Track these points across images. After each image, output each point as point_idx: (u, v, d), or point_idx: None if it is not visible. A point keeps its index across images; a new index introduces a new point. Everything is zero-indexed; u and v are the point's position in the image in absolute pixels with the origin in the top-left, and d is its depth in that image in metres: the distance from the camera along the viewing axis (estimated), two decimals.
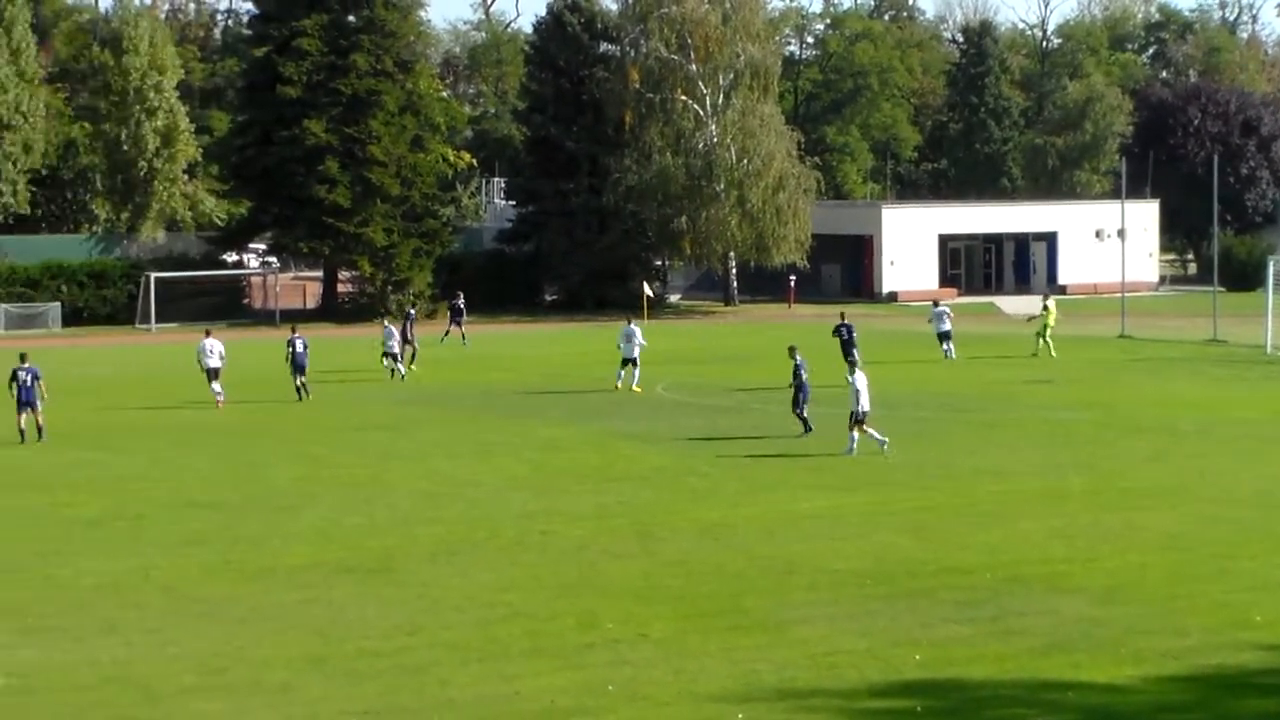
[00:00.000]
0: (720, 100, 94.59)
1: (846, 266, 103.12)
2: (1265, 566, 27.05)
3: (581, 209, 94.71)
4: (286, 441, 42.53)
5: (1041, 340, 62.58)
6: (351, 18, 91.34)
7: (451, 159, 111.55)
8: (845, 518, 31.52)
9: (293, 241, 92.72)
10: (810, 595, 25.41)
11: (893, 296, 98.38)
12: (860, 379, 39.08)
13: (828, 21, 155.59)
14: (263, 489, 35.39)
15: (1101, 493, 33.92)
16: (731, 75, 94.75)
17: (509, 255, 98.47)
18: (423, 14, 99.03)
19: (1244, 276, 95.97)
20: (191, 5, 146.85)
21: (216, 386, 50.07)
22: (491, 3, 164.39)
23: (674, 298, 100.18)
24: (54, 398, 48.83)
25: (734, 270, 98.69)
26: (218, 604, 25.07)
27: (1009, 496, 33.64)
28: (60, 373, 59.44)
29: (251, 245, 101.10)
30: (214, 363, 50.31)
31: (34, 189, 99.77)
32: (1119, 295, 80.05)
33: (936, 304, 64.07)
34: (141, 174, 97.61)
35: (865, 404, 38.80)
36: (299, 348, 51.10)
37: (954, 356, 61.47)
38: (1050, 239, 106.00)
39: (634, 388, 52.20)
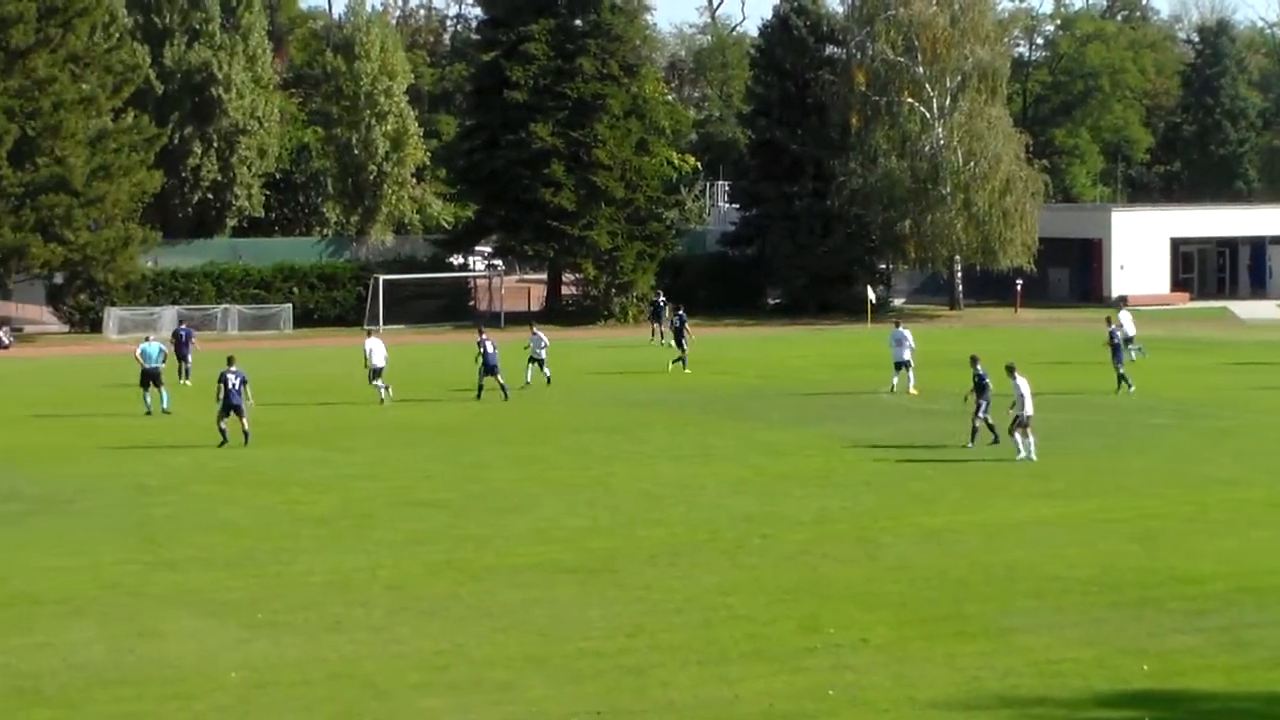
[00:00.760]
0: (947, 103, 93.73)
1: (1075, 270, 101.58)
2: None
3: (805, 212, 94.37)
4: (510, 443, 42.88)
5: None
6: (578, 22, 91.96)
7: (676, 162, 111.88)
8: (1071, 524, 31.04)
9: (518, 244, 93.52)
10: (1034, 603, 25.05)
11: (1122, 301, 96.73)
12: (1023, 383, 38.52)
13: (1058, 22, 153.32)
14: (486, 489, 35.73)
15: None
16: (959, 77, 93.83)
17: (732, 258, 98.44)
18: (649, 18, 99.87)
19: None
20: (422, 11, 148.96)
21: (378, 383, 51.36)
22: (717, 6, 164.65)
23: (898, 301, 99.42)
24: (284, 398, 49.85)
25: (959, 274, 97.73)
26: (441, 602, 25.34)
27: (1241, 504, 32.89)
28: (290, 373, 60.71)
29: (477, 248, 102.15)
30: (378, 362, 51.58)
31: (268, 193, 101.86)
32: None
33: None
34: (371, 178, 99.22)
35: (1029, 409, 38.21)
36: (489, 349, 51.91)
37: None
38: None
39: (910, 390, 51.78)
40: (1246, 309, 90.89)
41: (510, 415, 48.72)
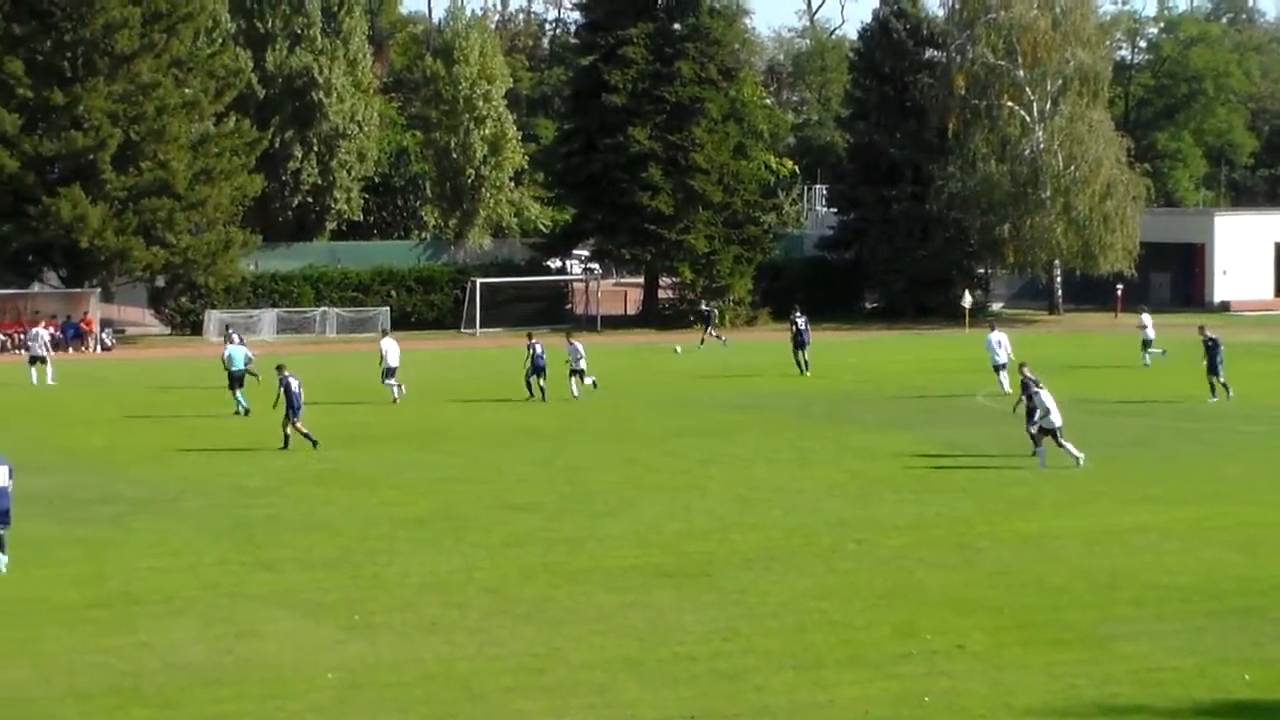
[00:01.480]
0: (1048, 106, 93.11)
1: (1177, 275, 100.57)
2: None
3: (903, 216, 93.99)
4: (606, 445, 42.93)
5: None
6: (677, 26, 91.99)
7: (774, 166, 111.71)
8: (1171, 531, 30.72)
9: (615, 248, 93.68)
10: (1134, 610, 24.81)
11: (1225, 306, 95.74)
12: (1047, 395, 38.13)
13: (1162, 25, 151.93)
14: (581, 492, 35.77)
15: None
16: (1060, 81, 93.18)
17: (830, 262, 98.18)
18: (747, 21, 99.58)
19: None
20: (521, 15, 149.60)
21: (392, 382, 53.13)
22: (816, 10, 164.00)
23: (996, 306, 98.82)
24: (380, 400, 50.16)
25: (1058, 279, 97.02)
26: (537, 605, 25.37)
27: None
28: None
29: (575, 251, 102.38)
30: (392, 362, 53.19)
31: (366, 196, 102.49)
32: None
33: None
34: (469, 181, 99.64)
35: (1057, 419, 37.89)
36: (538, 350, 53.25)
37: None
38: None
39: (1004, 391, 51.55)
40: None
41: (606, 419, 48.78)
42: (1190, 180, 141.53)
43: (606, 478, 37.69)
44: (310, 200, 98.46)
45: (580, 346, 54.18)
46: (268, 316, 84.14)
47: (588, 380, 53.64)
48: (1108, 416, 46.64)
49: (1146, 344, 63.13)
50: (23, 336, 77.14)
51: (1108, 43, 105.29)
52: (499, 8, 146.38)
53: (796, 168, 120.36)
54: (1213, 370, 50.79)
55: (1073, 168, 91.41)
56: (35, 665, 22.13)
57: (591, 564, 28.30)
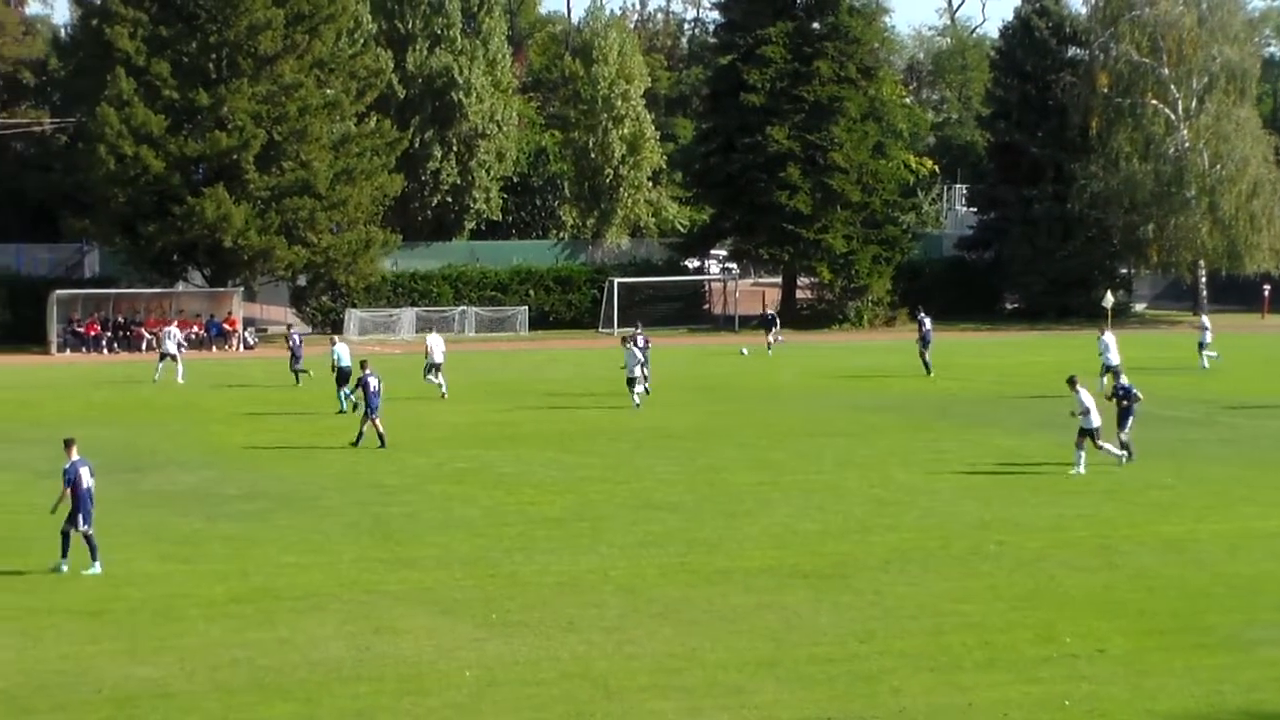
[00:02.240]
0: (1193, 104, 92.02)
1: None
2: None
3: (1044, 216, 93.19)
4: (743, 446, 42.87)
5: None
6: (816, 25, 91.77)
7: (913, 165, 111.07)
8: None
9: (753, 247, 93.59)
10: (1279, 615, 24.42)
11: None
12: (1086, 395, 37.47)
13: None
14: (719, 492, 35.73)
15: None
16: (1206, 78, 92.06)
17: (969, 262, 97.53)
18: (887, 20, 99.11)
19: None
20: (659, 15, 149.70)
21: (433, 378, 54.50)
22: (957, 8, 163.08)
23: (1139, 306, 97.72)
24: (518, 400, 50.41)
25: (1203, 279, 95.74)
26: (674, 605, 25.37)
27: None
28: (525, 376, 61.33)
29: (713, 251, 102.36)
30: (437, 358, 54.83)
31: (505, 196, 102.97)
32: None
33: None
34: (607, 181, 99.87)
35: (1096, 419, 37.37)
36: (640, 343, 53.99)
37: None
38: None
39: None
40: None
41: (744, 419, 48.72)
42: None
43: (743, 478, 37.63)
44: (449, 200, 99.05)
45: (638, 352, 52.47)
46: (407, 315, 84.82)
47: (639, 388, 51.90)
48: (1253, 419, 45.96)
49: (1202, 346, 62.52)
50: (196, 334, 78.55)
51: (1255, 39, 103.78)
52: (638, 7, 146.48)
53: (936, 167, 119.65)
54: None
55: (1218, 166, 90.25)
56: (179, 659, 22.41)
57: (728, 564, 28.26)
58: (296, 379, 58.78)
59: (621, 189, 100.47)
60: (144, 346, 76.48)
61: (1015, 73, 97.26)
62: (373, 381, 43.11)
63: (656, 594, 26.14)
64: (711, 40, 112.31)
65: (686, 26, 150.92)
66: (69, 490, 27.49)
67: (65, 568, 27.41)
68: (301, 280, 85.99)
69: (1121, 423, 38.71)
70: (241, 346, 78.92)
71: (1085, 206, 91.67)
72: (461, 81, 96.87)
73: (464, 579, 27.27)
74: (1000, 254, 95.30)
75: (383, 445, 42.40)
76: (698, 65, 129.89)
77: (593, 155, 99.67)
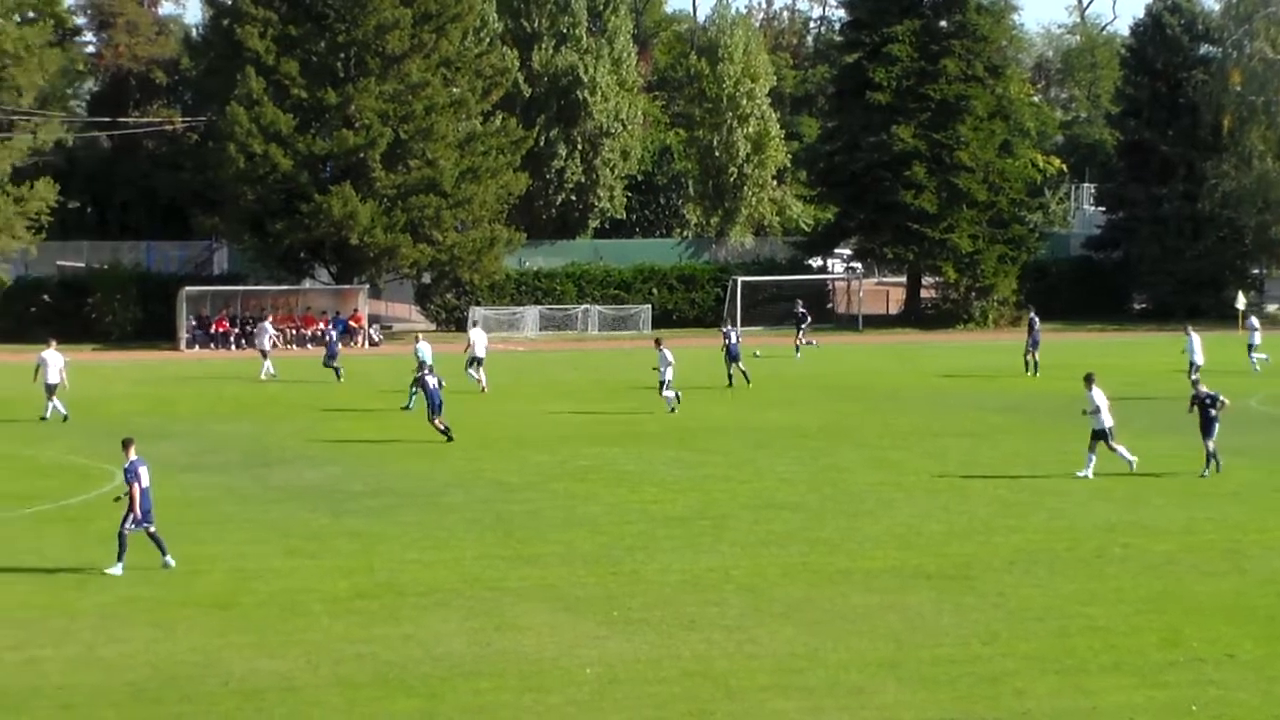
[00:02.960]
0: None
1: None
2: None
3: (1174, 215, 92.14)
4: (865, 446, 42.71)
5: None
6: (943, 23, 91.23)
7: (1040, 164, 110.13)
8: None
9: (878, 247, 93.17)
10: None
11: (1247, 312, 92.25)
12: (1099, 394, 36.76)
13: None
14: (841, 492, 35.61)
15: None
16: None
17: (1096, 262, 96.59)
18: (1015, 18, 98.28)
19: None
20: (785, 13, 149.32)
21: (473, 373, 55.66)
22: (1087, 6, 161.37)
23: (1272, 308, 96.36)
24: (639, 399, 50.50)
25: None
26: (795, 605, 25.32)
27: None
28: (646, 374, 61.39)
29: (836, 250, 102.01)
30: (479, 352, 56.29)
31: (629, 194, 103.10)
32: None
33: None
34: (732, 180, 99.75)
35: (1108, 420, 36.78)
36: (733, 339, 56.36)
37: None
38: None
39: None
40: None
41: (866, 419, 48.55)
42: None
43: (867, 478, 37.48)
44: (574, 198, 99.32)
45: (670, 355, 50.48)
46: (530, 314, 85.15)
47: (669, 392, 49.75)
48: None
49: (1251, 347, 61.61)
50: (296, 331, 79.36)
51: None
52: (763, 6, 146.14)
53: (1064, 166, 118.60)
54: None
55: None
56: (305, 653, 22.63)
57: (850, 564, 28.16)
58: (337, 375, 59.79)
59: (745, 187, 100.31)
60: (269, 344, 77.35)
61: (1146, 70, 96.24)
62: (430, 381, 43.94)
63: (778, 593, 26.09)
64: (837, 38, 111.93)
65: (812, 24, 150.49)
66: (136, 488, 27.47)
67: (120, 570, 27.35)
68: (426, 278, 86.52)
69: (1206, 432, 37.51)
70: (367, 343, 79.56)
71: (1216, 206, 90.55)
72: (587, 80, 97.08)
73: (586, 576, 27.35)
74: (1128, 254, 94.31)
75: (449, 439, 43.22)
76: (823, 63, 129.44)
77: (717, 154, 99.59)
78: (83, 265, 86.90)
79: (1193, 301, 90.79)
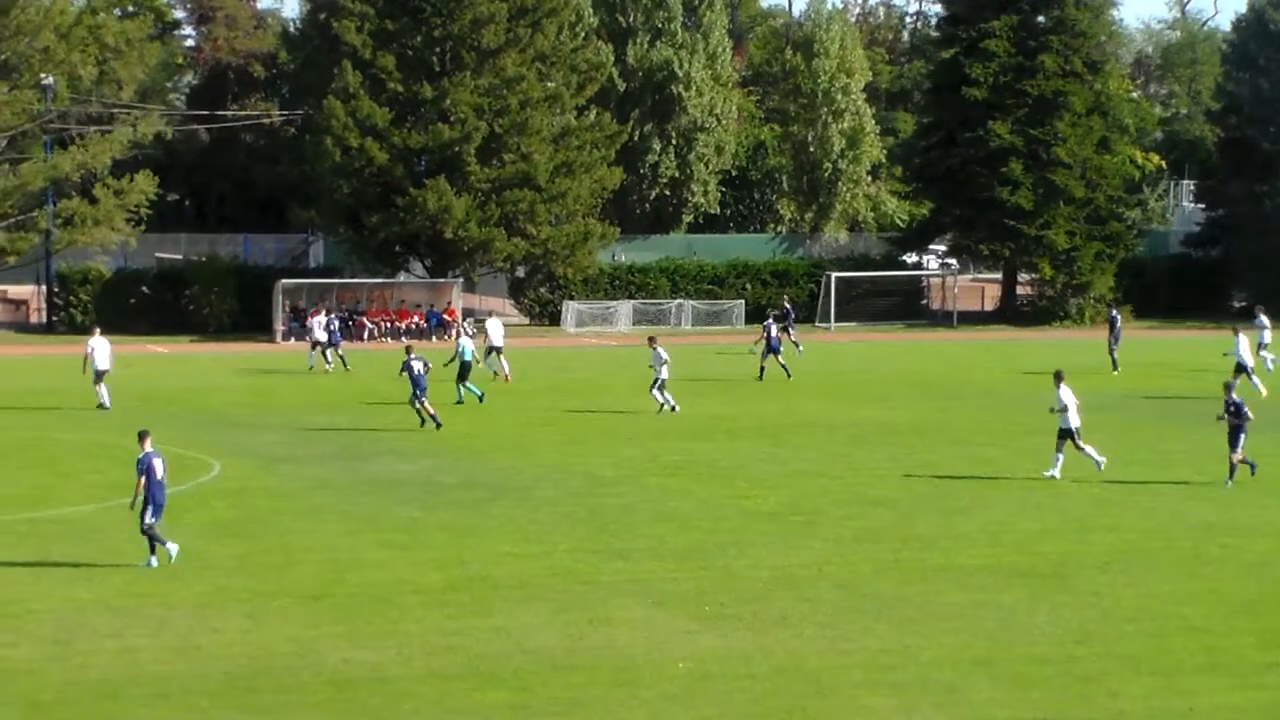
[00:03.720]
0: None
1: None
2: None
3: (1276, 213, 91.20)
4: (960, 443, 42.50)
5: None
6: (1041, 19, 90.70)
7: (1139, 161, 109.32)
8: None
9: (973, 243, 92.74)
10: None
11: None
12: (1067, 393, 36.10)
13: None
14: (935, 489, 35.44)
15: None
16: None
17: (1195, 259, 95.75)
18: (1115, 13, 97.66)
19: None
20: (881, 9, 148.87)
21: (493, 361, 57.71)
22: (1188, 1, 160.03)
23: None
24: (734, 394, 50.37)
25: None
26: (888, 602, 25.21)
27: None
28: (739, 369, 61.34)
29: (931, 246, 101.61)
30: (497, 342, 58.19)
31: (724, 189, 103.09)
32: None
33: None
34: (826, 175, 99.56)
35: (1075, 419, 36.20)
36: (773, 333, 58.05)
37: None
38: None
39: (1261, 392, 50.07)
40: None
41: (960, 415, 48.33)
42: None
43: (959, 475, 37.27)
44: (668, 193, 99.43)
45: (664, 353, 48.71)
46: (624, 308, 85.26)
47: (661, 396, 48.38)
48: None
49: (1262, 346, 60.44)
50: (390, 324, 79.85)
51: None
52: (859, 1, 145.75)
53: (1163, 163, 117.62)
54: None
55: None
56: (397, 645, 22.72)
57: (944, 561, 28.02)
58: (344, 363, 61.77)
59: (840, 183, 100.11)
60: (365, 336, 77.92)
61: (1248, 66, 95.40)
62: (415, 365, 44.65)
63: (870, 590, 25.99)
64: (934, 34, 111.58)
65: (908, 20, 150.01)
66: (142, 481, 27.48)
67: (155, 562, 27.39)
68: (520, 272, 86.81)
69: (1233, 442, 36.39)
70: (460, 337, 79.75)
71: None
72: (681, 75, 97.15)
73: (678, 571, 27.34)
74: (1228, 251, 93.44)
75: (438, 427, 44.05)
76: (919, 59, 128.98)
77: (812, 149, 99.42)
78: (180, 257, 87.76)
79: None
